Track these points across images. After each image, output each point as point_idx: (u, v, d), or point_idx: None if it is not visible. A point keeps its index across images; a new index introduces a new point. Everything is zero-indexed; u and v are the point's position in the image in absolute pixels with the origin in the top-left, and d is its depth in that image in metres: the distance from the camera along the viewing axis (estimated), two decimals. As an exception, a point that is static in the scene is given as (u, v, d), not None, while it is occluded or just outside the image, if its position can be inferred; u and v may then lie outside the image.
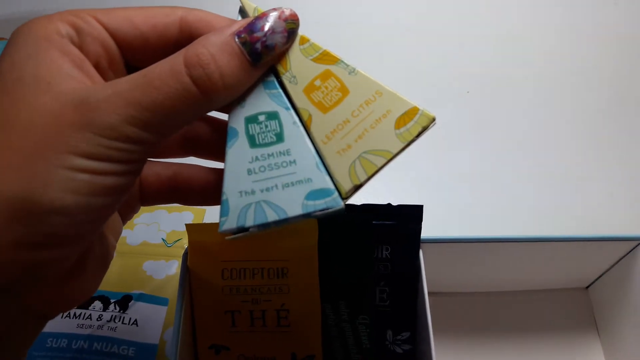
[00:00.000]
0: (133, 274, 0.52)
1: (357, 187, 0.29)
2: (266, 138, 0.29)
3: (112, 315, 0.49)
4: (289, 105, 0.29)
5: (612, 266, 0.48)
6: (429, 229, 0.43)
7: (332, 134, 0.29)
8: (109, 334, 0.48)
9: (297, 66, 0.30)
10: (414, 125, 0.29)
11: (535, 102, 0.64)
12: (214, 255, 0.42)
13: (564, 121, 0.63)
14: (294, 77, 0.30)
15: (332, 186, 0.29)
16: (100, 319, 0.49)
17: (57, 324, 0.48)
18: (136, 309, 0.50)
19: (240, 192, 0.29)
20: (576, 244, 0.44)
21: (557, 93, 0.65)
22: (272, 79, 0.30)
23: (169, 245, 0.54)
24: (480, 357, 0.49)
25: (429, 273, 0.44)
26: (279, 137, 0.29)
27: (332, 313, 0.42)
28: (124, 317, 0.49)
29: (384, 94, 0.29)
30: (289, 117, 0.29)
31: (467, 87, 0.65)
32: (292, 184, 0.29)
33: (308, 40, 0.30)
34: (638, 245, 0.44)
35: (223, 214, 0.30)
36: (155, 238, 0.55)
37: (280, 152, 0.29)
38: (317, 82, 0.30)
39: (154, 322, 0.49)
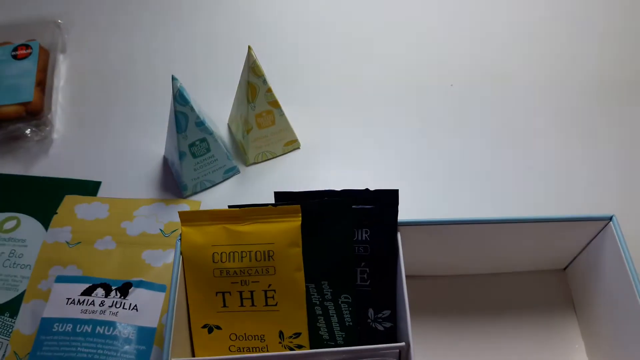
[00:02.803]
0: (133, 262, 0.55)
1: (255, 163, 0.63)
2: (201, 152, 0.58)
3: (113, 301, 0.52)
4: (212, 131, 0.57)
5: (585, 247, 0.50)
6: (410, 213, 0.46)
7: (258, 139, 0.61)
8: (110, 319, 0.51)
9: (258, 103, 0.58)
10: (291, 146, 0.64)
11: (514, 93, 0.68)
12: (205, 240, 0.45)
13: (540, 112, 0.66)
14: (254, 106, 0.58)
15: (235, 165, 0.62)
16: (103, 305, 0.52)
17: (62, 310, 0.52)
18: (136, 295, 0.53)
19: (192, 178, 0.60)
20: (546, 225, 0.46)
21: (535, 85, 0.68)
22: (201, 119, 0.55)
23: (166, 235, 0.57)
24: (463, 336, 0.51)
25: (409, 256, 0.47)
26: (208, 150, 0.58)
27: (316, 292, 0.45)
28: (124, 303, 0.52)
29: (288, 128, 0.62)
30: (212, 138, 0.58)
31: (450, 81, 0.68)
32: (217, 169, 0.61)
33: (270, 90, 0.57)
34: (606, 225, 0.47)
35: (184, 189, 0.60)
36: (153, 229, 0.58)
37: (209, 157, 0.59)
38: (263, 114, 0.59)
39: (152, 307, 0.52)
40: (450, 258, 0.51)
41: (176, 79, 0.53)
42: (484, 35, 0.73)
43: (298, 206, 0.44)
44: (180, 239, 0.45)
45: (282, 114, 0.60)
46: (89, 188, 0.61)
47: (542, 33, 0.73)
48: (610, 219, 0.46)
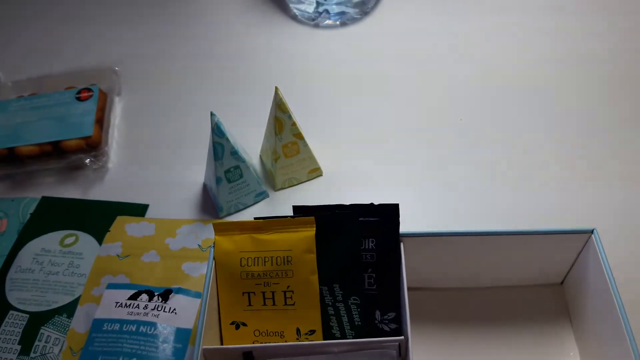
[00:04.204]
0: (174, 273, 0.63)
1: (282, 188, 0.71)
2: (235, 177, 0.66)
3: (155, 305, 0.60)
4: (244, 159, 0.65)
5: (575, 260, 0.55)
6: (414, 226, 0.53)
7: (284, 167, 0.68)
8: (152, 320, 0.58)
9: (285, 135, 0.66)
10: (314, 173, 0.71)
11: (512, 121, 0.76)
12: (234, 247, 0.52)
13: (533, 138, 0.74)
14: (281, 138, 0.66)
15: (265, 190, 0.70)
16: (146, 308, 0.59)
17: (111, 312, 0.59)
18: (175, 301, 0.60)
19: (227, 201, 0.67)
20: (534, 238, 0.52)
21: (527, 115, 0.76)
22: (235, 149, 0.63)
23: (203, 250, 0.65)
24: (463, 344, 0.56)
25: (412, 267, 0.53)
26: (241, 176, 0.66)
27: (329, 294, 0.51)
28: (165, 307, 0.60)
29: (311, 157, 0.69)
30: (244, 166, 0.65)
31: (459, 115, 0.75)
32: (249, 193, 0.68)
33: (295, 124, 0.64)
34: (589, 239, 0.52)
35: (220, 211, 0.68)
36: (193, 244, 0.66)
37: (242, 182, 0.67)
38: (289, 144, 0.66)
39: (189, 311, 0.60)
40: (451, 269, 0.57)
41: (214, 115, 0.62)
42: (488, 73, 0.81)
43: (313, 218, 0.51)
44: (214, 246, 0.52)
45: (305, 144, 0.67)
46: (138, 210, 0.70)
47: (540, 68, 0.81)
48: (592, 232, 0.51)
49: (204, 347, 0.47)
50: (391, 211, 0.51)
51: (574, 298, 0.57)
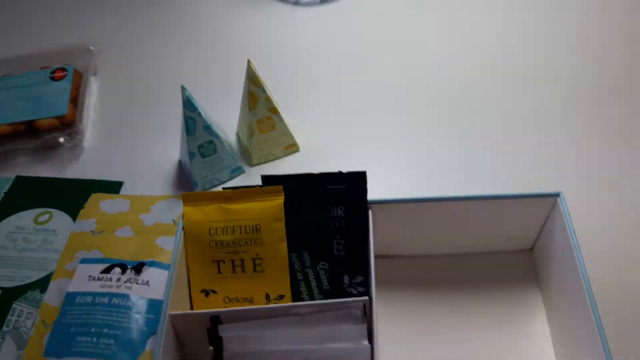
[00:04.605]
0: (148, 247, 0.63)
1: (258, 164, 0.71)
2: (209, 152, 0.65)
3: (128, 278, 0.60)
4: (218, 134, 0.65)
5: (543, 225, 0.56)
6: (383, 193, 0.53)
7: (260, 143, 0.68)
8: (125, 292, 0.58)
9: (259, 110, 0.66)
10: (291, 149, 0.71)
11: (482, 93, 0.77)
12: (203, 217, 0.52)
13: (501, 108, 0.75)
14: (255, 113, 0.66)
15: (240, 165, 0.70)
16: (119, 281, 0.59)
17: (84, 285, 0.59)
18: (148, 273, 0.60)
19: (202, 177, 0.67)
20: (501, 202, 0.52)
21: (496, 86, 0.78)
22: (208, 124, 0.63)
23: (177, 224, 0.65)
24: (433, 309, 0.56)
25: (382, 234, 0.53)
26: (215, 151, 0.66)
27: (298, 260, 0.52)
28: (137, 279, 0.60)
29: (287, 133, 0.69)
30: (218, 141, 0.65)
31: (435, 92, 0.76)
32: (223, 168, 0.68)
33: (270, 99, 0.64)
34: (555, 202, 0.52)
35: (195, 186, 0.68)
36: (167, 219, 0.66)
37: (216, 157, 0.67)
38: (264, 119, 0.66)
39: (162, 283, 0.59)
40: (421, 235, 0.57)
41: (185, 88, 0.62)
42: (466, 50, 0.81)
43: (281, 187, 0.51)
44: (183, 217, 0.52)
45: (281, 120, 0.67)
46: (113, 187, 0.70)
47: (516, 43, 0.81)
48: (558, 195, 0.52)
49: (171, 312, 0.47)
50: (359, 179, 0.51)
51: (543, 263, 0.57)
